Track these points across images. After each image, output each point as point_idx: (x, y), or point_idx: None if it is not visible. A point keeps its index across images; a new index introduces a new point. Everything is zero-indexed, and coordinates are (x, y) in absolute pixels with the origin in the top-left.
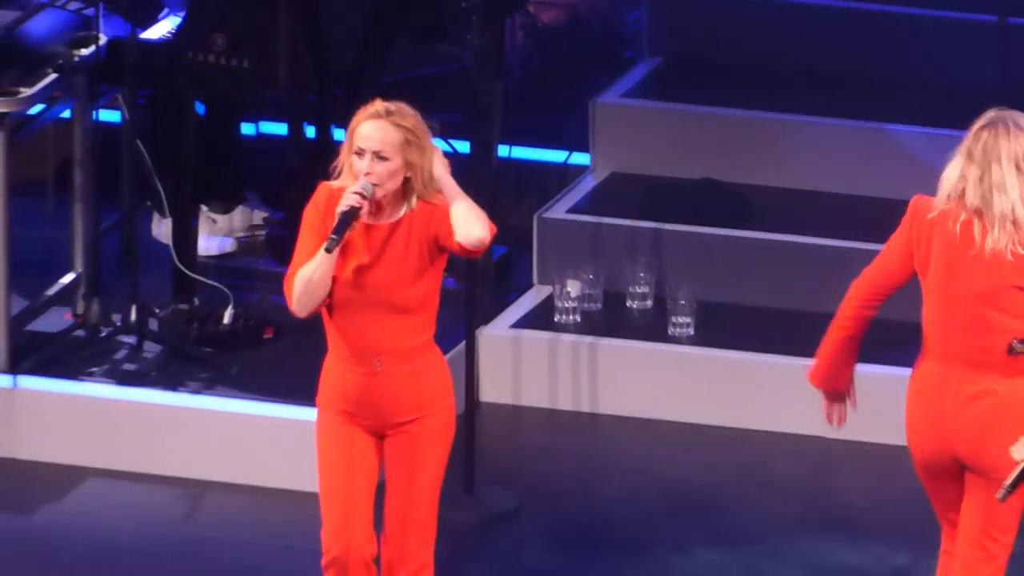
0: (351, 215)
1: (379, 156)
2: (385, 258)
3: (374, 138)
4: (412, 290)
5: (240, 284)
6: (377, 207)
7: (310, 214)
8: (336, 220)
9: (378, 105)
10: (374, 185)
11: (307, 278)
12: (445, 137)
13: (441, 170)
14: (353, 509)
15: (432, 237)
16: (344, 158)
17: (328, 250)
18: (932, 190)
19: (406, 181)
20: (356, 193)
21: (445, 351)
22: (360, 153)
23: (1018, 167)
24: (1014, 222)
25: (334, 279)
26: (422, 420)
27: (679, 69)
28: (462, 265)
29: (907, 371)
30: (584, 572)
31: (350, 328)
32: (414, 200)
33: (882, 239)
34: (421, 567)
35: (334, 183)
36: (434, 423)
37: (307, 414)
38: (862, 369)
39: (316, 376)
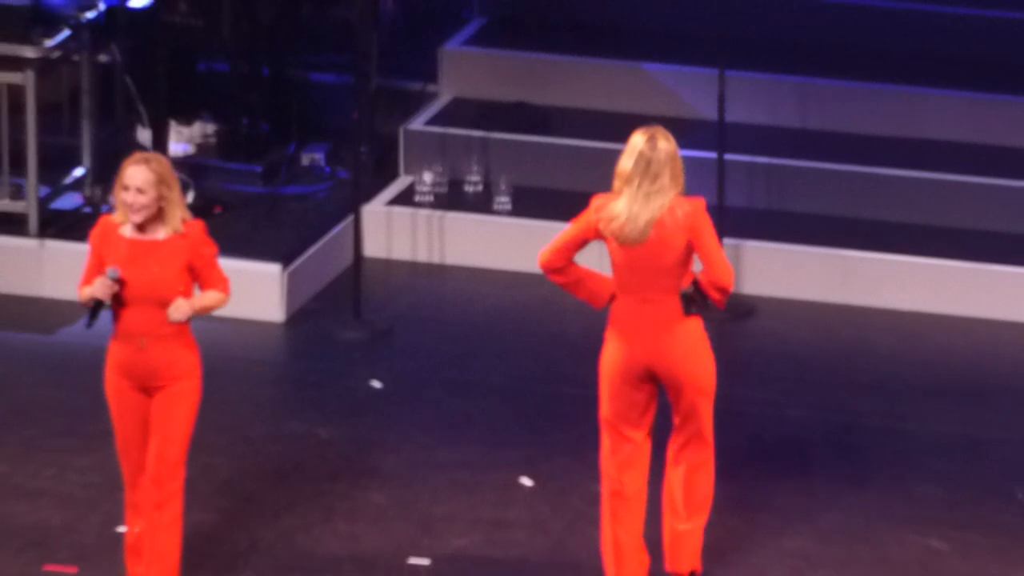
0: (99, 306)
1: (139, 190)
2: (152, 267)
3: (136, 177)
4: (172, 291)
5: (197, 175)
6: (140, 228)
7: (92, 238)
8: (91, 307)
9: (138, 155)
10: (136, 212)
11: (82, 300)
12: (338, 73)
13: (202, 302)
14: (134, 448)
15: (189, 261)
16: (117, 193)
17: (88, 326)
18: (664, 105)
19: (160, 210)
20: (111, 280)
21: (338, 221)
22: (127, 188)
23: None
24: None
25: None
26: (174, 384)
27: (499, 26)
28: (350, 159)
29: None
30: (436, 370)
31: (125, 316)
32: (172, 225)
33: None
34: (173, 491)
35: (112, 216)
36: (184, 387)
37: (238, 263)
38: None
39: (250, 237)
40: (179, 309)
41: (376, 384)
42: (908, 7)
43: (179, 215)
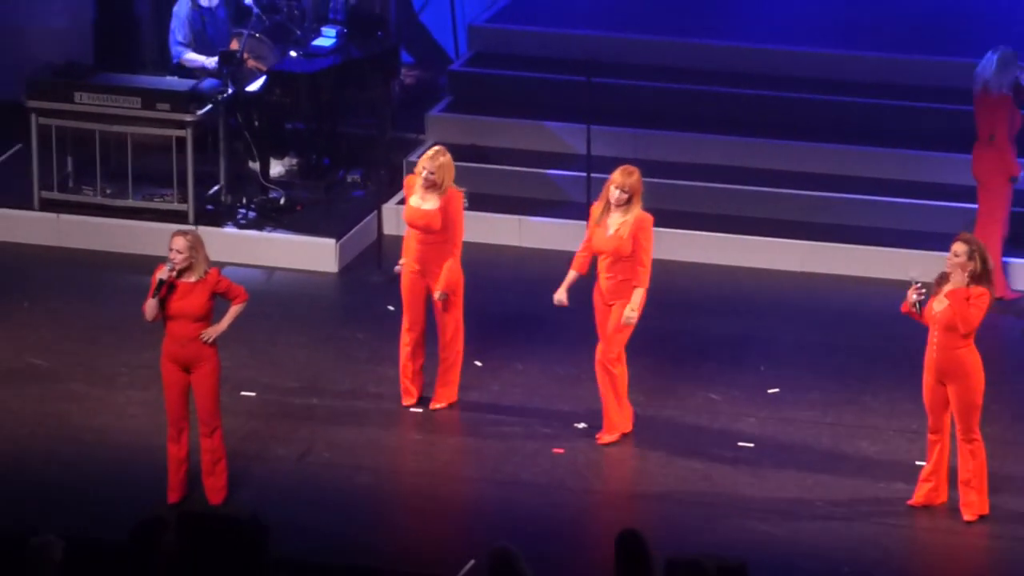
0: (162, 282)
1: (179, 251)
2: (188, 298)
3: (178, 243)
4: (200, 313)
5: (285, 188)
6: (180, 273)
7: (155, 272)
8: (155, 283)
9: (179, 230)
10: (176, 264)
11: (148, 305)
12: (368, 130)
13: (228, 321)
14: (175, 405)
15: (212, 292)
16: (169, 252)
17: (154, 297)
18: (556, 146)
19: (191, 264)
20: (168, 269)
21: (369, 213)
22: (171, 250)
23: None
24: None
25: (164, 305)
26: (203, 364)
27: (459, 102)
28: (375, 178)
29: None
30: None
31: (172, 326)
32: (199, 273)
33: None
34: (214, 428)
35: (165, 266)
36: (208, 366)
37: (309, 238)
38: None
39: (318, 223)
40: (208, 335)
41: (391, 307)
42: (692, 88)
43: (203, 267)
